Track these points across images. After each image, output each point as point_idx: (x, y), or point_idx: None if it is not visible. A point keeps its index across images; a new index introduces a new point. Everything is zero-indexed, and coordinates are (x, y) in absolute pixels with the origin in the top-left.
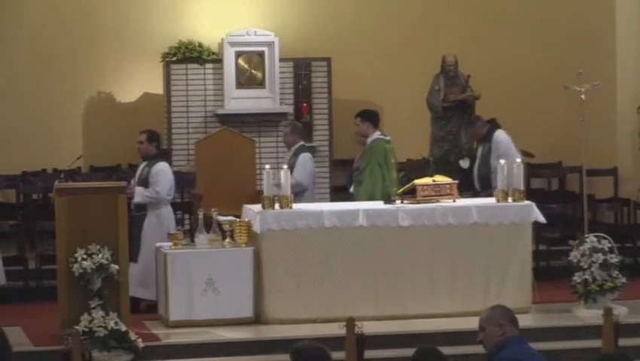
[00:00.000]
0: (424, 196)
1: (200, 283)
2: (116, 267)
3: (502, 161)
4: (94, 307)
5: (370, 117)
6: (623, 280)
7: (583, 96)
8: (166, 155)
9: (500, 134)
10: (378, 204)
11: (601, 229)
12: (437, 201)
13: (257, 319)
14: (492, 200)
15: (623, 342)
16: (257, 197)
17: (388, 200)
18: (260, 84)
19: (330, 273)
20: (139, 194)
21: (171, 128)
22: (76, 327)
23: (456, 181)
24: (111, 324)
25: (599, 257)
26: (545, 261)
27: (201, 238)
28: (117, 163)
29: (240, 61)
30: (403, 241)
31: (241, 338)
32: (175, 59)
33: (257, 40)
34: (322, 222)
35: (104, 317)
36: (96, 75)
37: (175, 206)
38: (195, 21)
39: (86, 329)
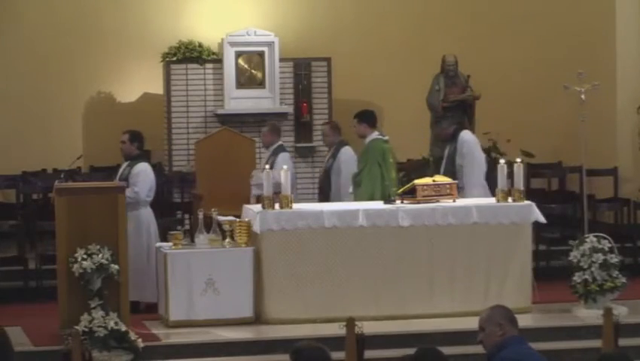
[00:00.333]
0: (424, 196)
1: (200, 283)
2: (116, 267)
3: (502, 161)
4: (94, 307)
5: (367, 118)
6: (623, 280)
7: (583, 96)
8: (148, 156)
9: (465, 134)
10: (378, 204)
11: (601, 229)
12: (437, 201)
13: (257, 319)
14: (492, 200)
15: (623, 342)
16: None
17: (388, 200)
18: (260, 84)
19: (330, 273)
20: None
21: (171, 129)
22: (76, 327)
23: (456, 181)
24: (111, 324)
25: (599, 257)
26: (545, 261)
27: (201, 238)
28: (117, 163)
29: (240, 61)
30: (403, 241)
31: (241, 338)
32: (175, 59)
33: (257, 40)
34: (322, 222)
35: (104, 317)
36: (95, 75)
37: (175, 206)
38: (195, 21)
39: (86, 329)
